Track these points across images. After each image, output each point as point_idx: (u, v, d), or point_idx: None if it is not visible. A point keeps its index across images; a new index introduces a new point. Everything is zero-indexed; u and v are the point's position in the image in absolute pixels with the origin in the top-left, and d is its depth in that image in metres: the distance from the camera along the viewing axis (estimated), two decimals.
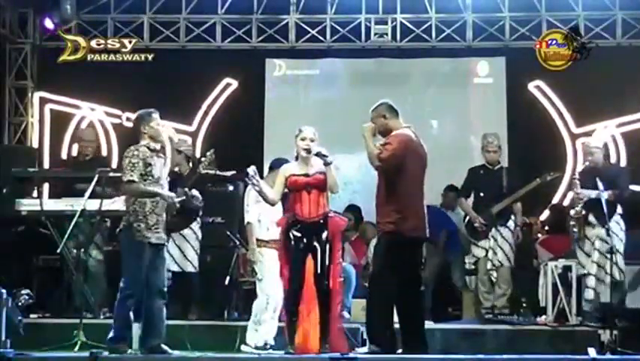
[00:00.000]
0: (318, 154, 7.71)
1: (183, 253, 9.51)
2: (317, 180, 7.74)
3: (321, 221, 7.73)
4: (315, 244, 7.68)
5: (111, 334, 7.62)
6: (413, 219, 7.48)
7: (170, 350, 7.60)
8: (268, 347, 8.21)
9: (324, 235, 7.70)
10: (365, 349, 7.52)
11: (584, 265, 9.31)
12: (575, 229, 9.38)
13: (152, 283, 7.62)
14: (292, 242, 7.71)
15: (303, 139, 7.83)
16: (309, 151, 7.76)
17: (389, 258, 7.48)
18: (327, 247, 7.68)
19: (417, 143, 7.67)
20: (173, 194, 7.84)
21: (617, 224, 9.24)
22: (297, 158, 7.91)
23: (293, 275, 7.69)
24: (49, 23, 11.86)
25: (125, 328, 7.59)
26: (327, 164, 7.69)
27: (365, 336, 7.87)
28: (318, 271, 7.65)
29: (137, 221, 7.54)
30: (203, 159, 8.58)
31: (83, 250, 9.33)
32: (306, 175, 7.77)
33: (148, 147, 7.67)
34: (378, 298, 7.53)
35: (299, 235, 7.71)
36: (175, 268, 9.42)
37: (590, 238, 9.29)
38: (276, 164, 8.28)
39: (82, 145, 10.38)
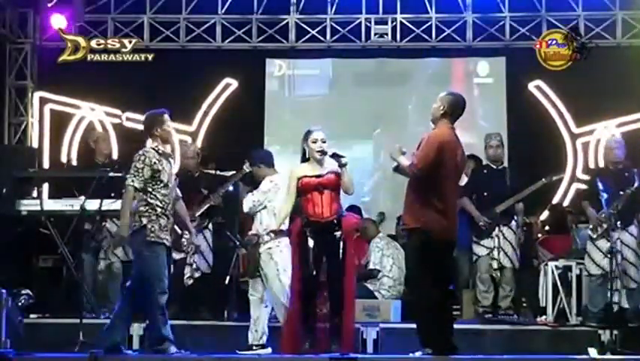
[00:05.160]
0: (333, 155, 7.64)
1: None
2: (329, 180, 7.65)
3: (335, 221, 7.65)
4: (330, 243, 7.60)
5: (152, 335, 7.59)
6: (442, 221, 7.13)
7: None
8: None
9: (338, 234, 7.62)
10: (418, 354, 7.14)
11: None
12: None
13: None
14: (307, 244, 7.64)
15: (314, 141, 7.70)
16: (323, 153, 7.67)
17: (419, 257, 7.21)
18: (342, 246, 7.60)
19: (454, 144, 7.41)
20: (125, 232, 7.47)
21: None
22: (306, 159, 7.77)
23: (306, 276, 7.63)
24: (59, 21, 11.79)
25: (163, 326, 7.43)
26: (342, 165, 7.61)
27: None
28: (332, 271, 7.58)
29: (151, 222, 7.43)
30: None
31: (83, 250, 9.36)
32: (319, 176, 7.67)
33: (156, 151, 7.54)
34: (419, 299, 7.23)
35: (314, 236, 7.64)
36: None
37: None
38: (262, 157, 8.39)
39: (99, 148, 10.26)
